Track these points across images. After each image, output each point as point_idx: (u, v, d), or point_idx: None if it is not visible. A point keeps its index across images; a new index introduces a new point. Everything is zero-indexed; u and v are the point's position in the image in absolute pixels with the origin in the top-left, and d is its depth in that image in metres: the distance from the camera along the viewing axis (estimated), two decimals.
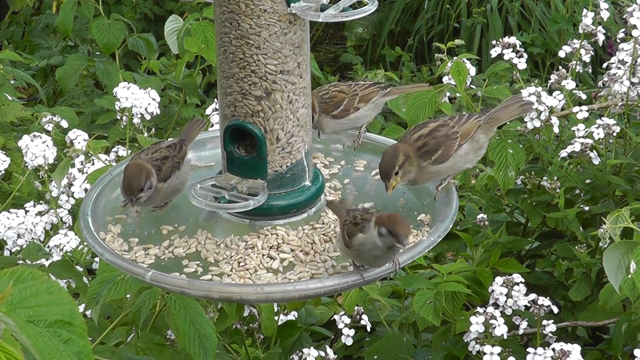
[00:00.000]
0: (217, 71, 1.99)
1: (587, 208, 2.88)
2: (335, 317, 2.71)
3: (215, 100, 3.00)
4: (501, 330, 2.35)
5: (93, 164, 3.00)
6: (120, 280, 2.30)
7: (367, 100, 2.25)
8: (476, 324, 2.36)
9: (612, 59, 2.89)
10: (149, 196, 1.97)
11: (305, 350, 2.57)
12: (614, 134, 2.71)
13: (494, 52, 2.97)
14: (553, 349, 2.20)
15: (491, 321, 2.36)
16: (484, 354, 2.31)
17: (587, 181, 2.87)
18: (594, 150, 2.72)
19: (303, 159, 2.00)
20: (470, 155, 2.09)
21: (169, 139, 2.17)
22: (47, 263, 2.65)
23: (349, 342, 2.68)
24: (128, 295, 2.42)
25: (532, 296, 2.43)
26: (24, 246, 2.86)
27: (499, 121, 2.16)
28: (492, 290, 2.48)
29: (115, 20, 4.02)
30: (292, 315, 2.86)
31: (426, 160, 2.03)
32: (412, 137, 2.06)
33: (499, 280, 2.48)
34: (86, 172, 2.98)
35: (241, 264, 1.90)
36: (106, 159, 2.99)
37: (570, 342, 2.26)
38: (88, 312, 2.60)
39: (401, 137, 2.12)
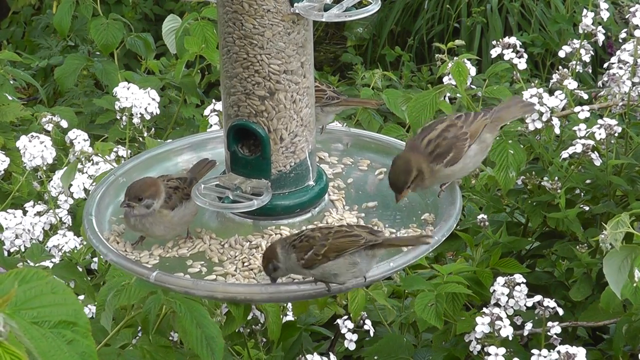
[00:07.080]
0: (220, 71, 1.99)
1: (587, 208, 2.88)
2: (339, 321, 2.69)
3: (214, 101, 3.00)
4: (507, 331, 2.34)
5: (93, 164, 2.99)
6: (128, 285, 2.29)
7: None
8: (482, 324, 2.36)
9: (613, 59, 2.89)
10: (144, 215, 1.92)
11: (308, 357, 2.56)
12: (616, 135, 2.71)
13: (494, 52, 2.97)
14: (558, 352, 2.20)
15: (497, 322, 2.35)
16: (488, 354, 2.30)
17: (588, 181, 2.87)
18: (596, 152, 2.72)
19: (307, 159, 2.00)
20: (479, 156, 2.07)
21: (183, 171, 2.13)
22: (49, 264, 2.64)
23: (352, 347, 2.66)
24: None
25: (538, 297, 2.42)
26: (21, 247, 2.85)
27: (502, 121, 2.14)
28: (494, 291, 2.47)
29: (114, 20, 4.00)
30: (292, 315, 2.85)
31: (439, 163, 1.99)
32: (422, 143, 2.00)
33: (500, 280, 2.48)
34: (86, 172, 2.98)
35: (245, 264, 1.90)
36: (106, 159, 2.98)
37: (570, 343, 2.27)
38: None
39: (409, 141, 2.05)
